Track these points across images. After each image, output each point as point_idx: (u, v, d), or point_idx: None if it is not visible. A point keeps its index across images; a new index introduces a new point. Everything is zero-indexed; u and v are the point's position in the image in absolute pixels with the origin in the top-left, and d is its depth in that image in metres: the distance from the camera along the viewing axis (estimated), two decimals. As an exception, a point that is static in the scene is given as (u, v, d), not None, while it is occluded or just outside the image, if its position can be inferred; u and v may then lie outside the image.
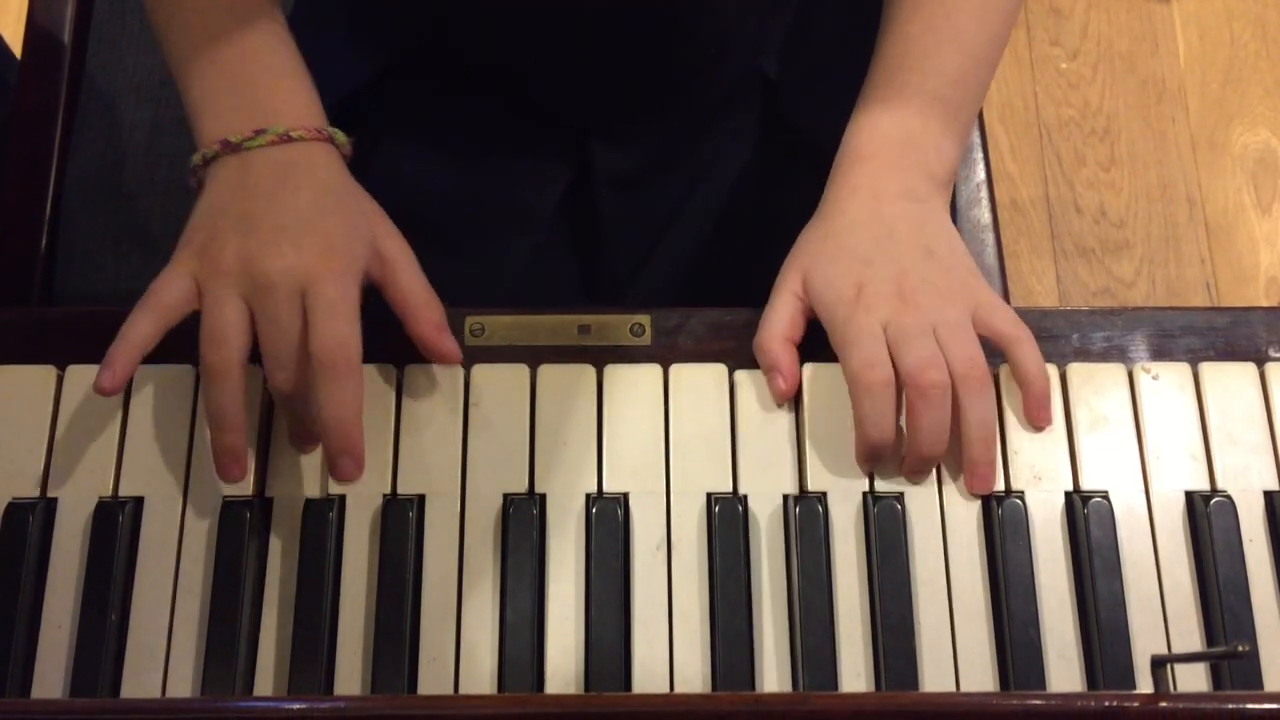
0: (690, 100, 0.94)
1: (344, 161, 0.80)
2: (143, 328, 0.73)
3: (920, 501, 0.75)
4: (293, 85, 0.80)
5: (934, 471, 0.76)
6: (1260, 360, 0.79)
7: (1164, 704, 0.57)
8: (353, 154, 0.81)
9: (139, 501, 0.75)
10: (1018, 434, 0.77)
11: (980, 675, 0.72)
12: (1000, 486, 0.76)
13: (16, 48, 1.13)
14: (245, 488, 0.75)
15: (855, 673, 0.72)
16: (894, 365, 0.75)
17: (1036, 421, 0.77)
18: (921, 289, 0.77)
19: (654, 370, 0.78)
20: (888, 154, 0.81)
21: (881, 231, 0.79)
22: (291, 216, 0.75)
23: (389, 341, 0.77)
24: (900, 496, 0.75)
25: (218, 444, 0.73)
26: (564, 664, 0.72)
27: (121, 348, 0.72)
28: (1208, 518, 0.75)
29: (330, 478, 0.74)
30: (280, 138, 0.77)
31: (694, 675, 0.72)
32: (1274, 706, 0.59)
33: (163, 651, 0.72)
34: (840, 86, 0.98)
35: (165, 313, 0.74)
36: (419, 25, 0.92)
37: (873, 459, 0.75)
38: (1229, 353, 0.80)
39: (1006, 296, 1.08)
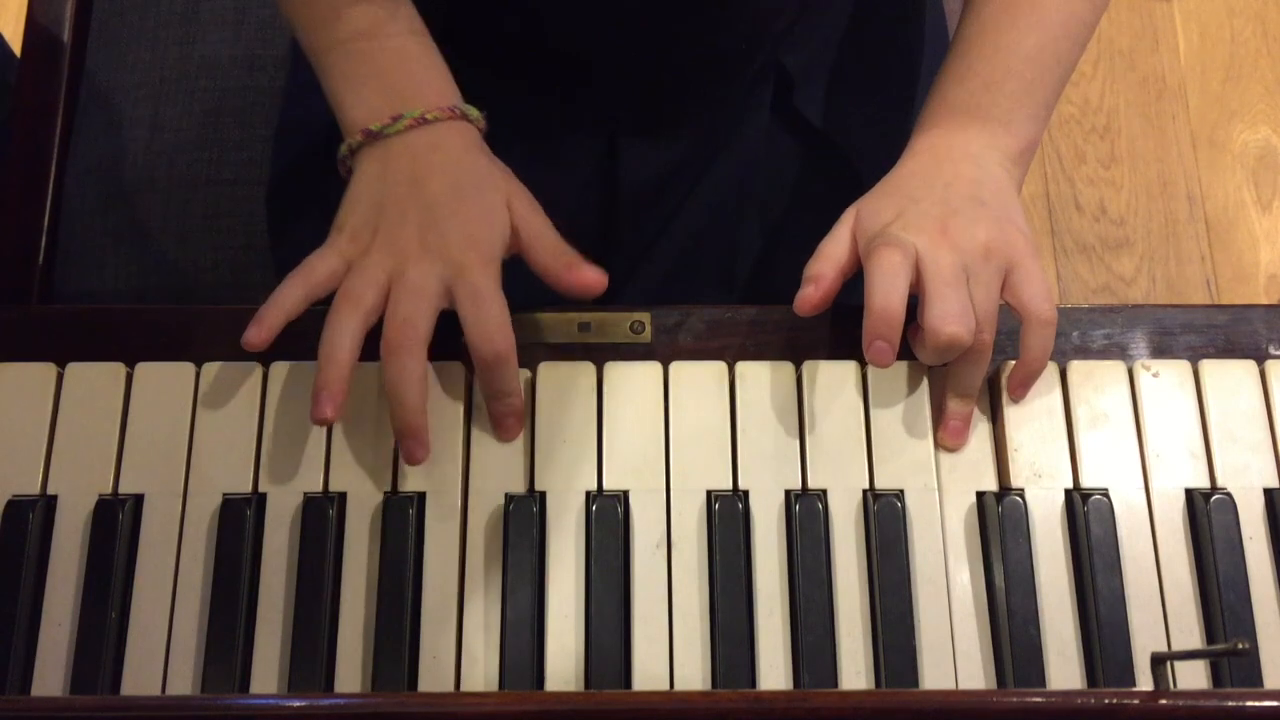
0: (718, 94, 0.95)
1: (480, 135, 0.82)
2: (292, 293, 0.76)
3: (920, 499, 0.75)
4: (426, 66, 0.82)
5: (934, 470, 0.76)
6: (1260, 358, 0.79)
7: (1164, 701, 0.57)
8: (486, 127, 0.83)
9: (139, 499, 0.75)
10: (1018, 432, 0.77)
11: (980, 672, 0.72)
12: (999, 484, 0.76)
13: (16, 46, 1.13)
14: (245, 484, 0.75)
15: (855, 670, 0.72)
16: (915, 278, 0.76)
17: (1013, 392, 0.78)
18: (964, 229, 0.77)
19: (654, 368, 0.78)
20: (953, 122, 0.83)
21: (937, 181, 0.80)
22: (432, 203, 0.77)
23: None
24: (900, 494, 0.75)
25: (319, 378, 0.74)
26: (564, 662, 0.72)
27: (271, 309, 0.75)
28: (1208, 515, 0.75)
29: (497, 432, 0.76)
30: (417, 120, 0.79)
31: (694, 673, 0.72)
32: (1274, 704, 0.59)
33: (163, 648, 0.72)
34: (850, 80, 0.98)
35: (314, 284, 0.76)
36: (452, 15, 0.92)
37: (876, 332, 0.75)
38: (1229, 350, 0.80)
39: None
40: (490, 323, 0.75)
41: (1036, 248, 0.79)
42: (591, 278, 0.78)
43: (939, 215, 0.77)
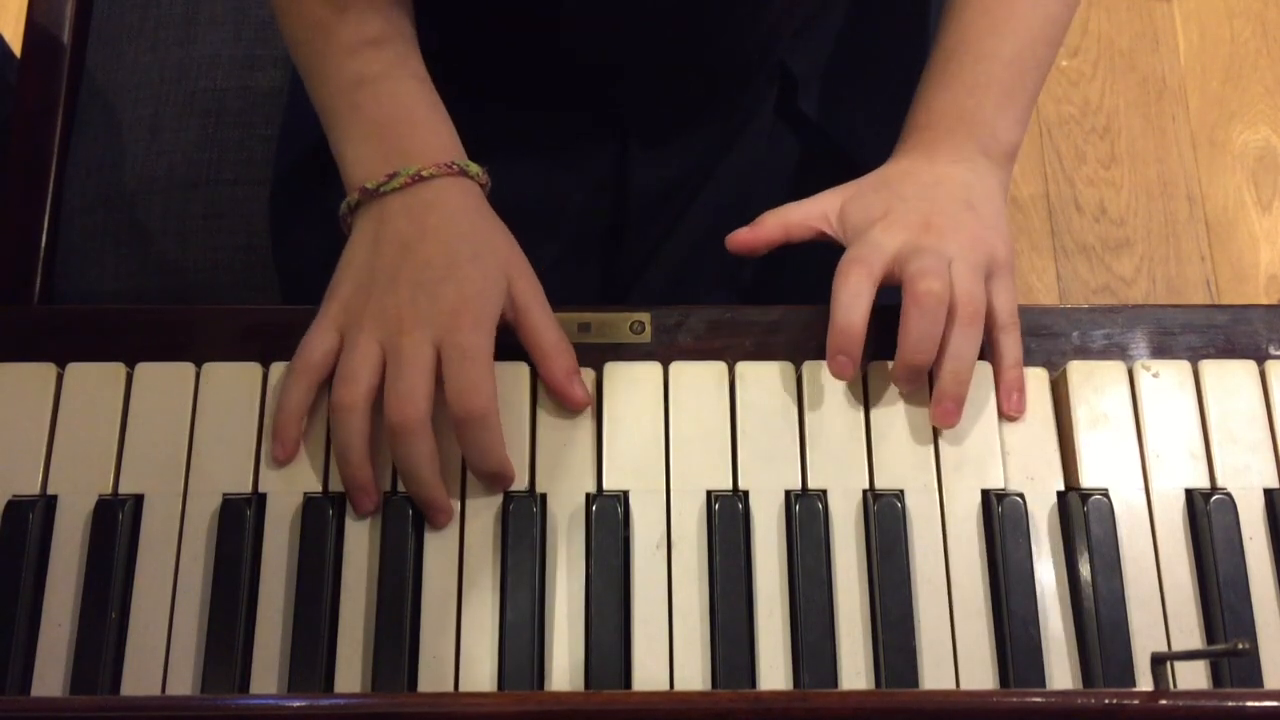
0: (727, 99, 0.95)
1: (482, 192, 0.81)
2: (297, 394, 0.75)
3: (920, 499, 0.75)
4: (425, 123, 0.81)
5: (934, 470, 0.76)
6: (1260, 358, 0.79)
7: (1164, 701, 0.57)
8: (489, 182, 0.81)
9: (139, 499, 0.75)
10: (1018, 432, 0.77)
11: (980, 673, 0.72)
12: (999, 484, 0.76)
13: (16, 46, 1.13)
14: (244, 485, 0.75)
15: (855, 670, 0.72)
16: (893, 279, 0.77)
17: (1008, 410, 0.77)
18: (949, 227, 0.78)
19: (654, 368, 0.78)
20: (940, 128, 0.84)
21: (928, 180, 0.81)
22: (426, 270, 0.76)
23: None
24: (901, 494, 0.75)
25: (344, 477, 0.74)
26: (564, 662, 0.72)
27: (283, 420, 0.75)
28: (1208, 515, 0.74)
29: (491, 487, 0.75)
30: (412, 179, 0.77)
31: (694, 673, 0.72)
32: (1274, 704, 0.59)
33: (163, 649, 0.72)
34: (853, 81, 0.98)
35: (314, 372, 0.76)
36: (464, 24, 0.92)
37: (837, 347, 0.75)
38: (1229, 350, 0.80)
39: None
40: (466, 380, 0.73)
41: (1014, 261, 0.81)
42: (580, 395, 0.76)
43: (925, 213, 0.79)
